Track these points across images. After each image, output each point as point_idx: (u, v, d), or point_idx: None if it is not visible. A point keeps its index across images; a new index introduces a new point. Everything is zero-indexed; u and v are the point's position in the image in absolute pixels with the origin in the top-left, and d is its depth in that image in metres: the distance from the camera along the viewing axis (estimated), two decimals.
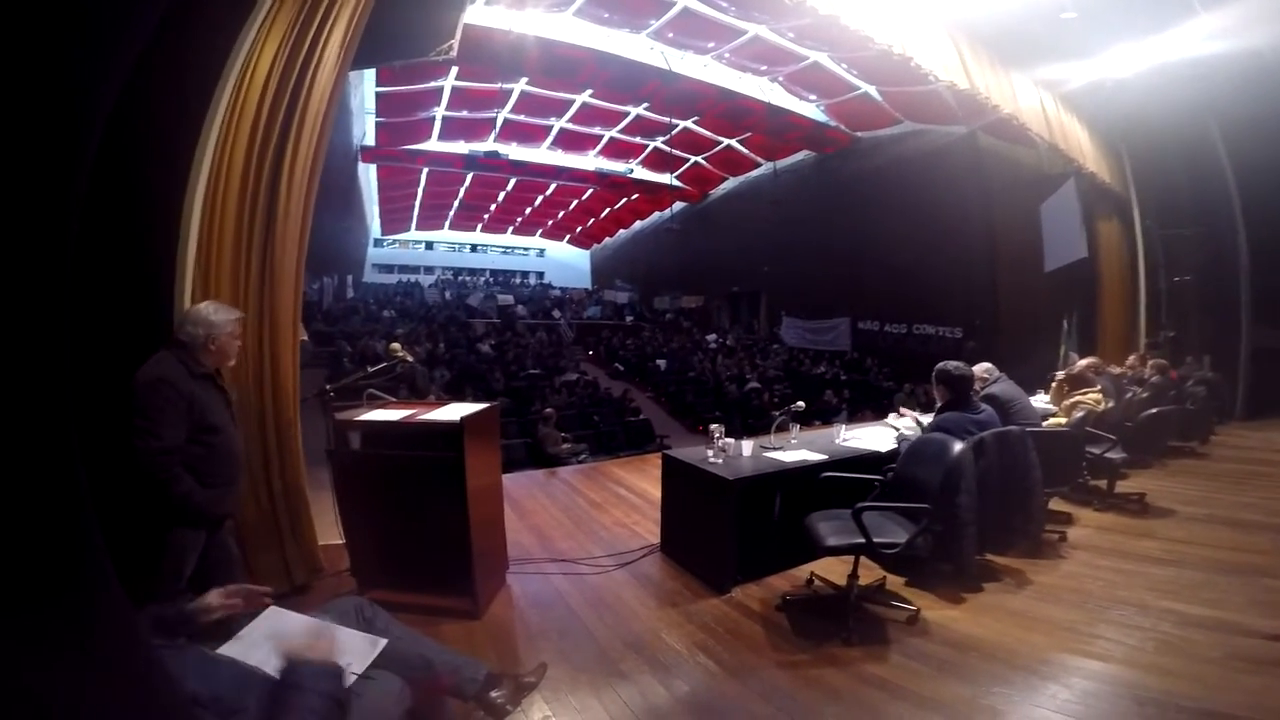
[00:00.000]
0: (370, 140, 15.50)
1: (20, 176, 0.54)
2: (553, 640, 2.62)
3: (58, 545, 0.59)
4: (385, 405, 3.17)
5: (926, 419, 3.74)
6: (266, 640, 1.46)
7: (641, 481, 5.07)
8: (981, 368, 4.23)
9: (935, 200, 12.75)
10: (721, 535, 3.13)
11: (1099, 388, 4.70)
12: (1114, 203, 8.74)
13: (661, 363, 15.41)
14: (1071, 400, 4.56)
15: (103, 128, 0.65)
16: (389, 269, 29.71)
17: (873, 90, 11.80)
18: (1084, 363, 5.39)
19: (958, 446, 2.74)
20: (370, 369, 3.73)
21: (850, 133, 14.56)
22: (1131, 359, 6.94)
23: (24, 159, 0.54)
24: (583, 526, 4.12)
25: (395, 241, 30.37)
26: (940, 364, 3.39)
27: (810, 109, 13.81)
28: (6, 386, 0.54)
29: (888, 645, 2.57)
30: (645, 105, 14.14)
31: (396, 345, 5.35)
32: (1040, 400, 5.20)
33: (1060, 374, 5.09)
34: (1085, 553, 3.55)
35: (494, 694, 1.98)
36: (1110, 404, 4.61)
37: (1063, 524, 3.94)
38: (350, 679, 1.41)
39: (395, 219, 26.26)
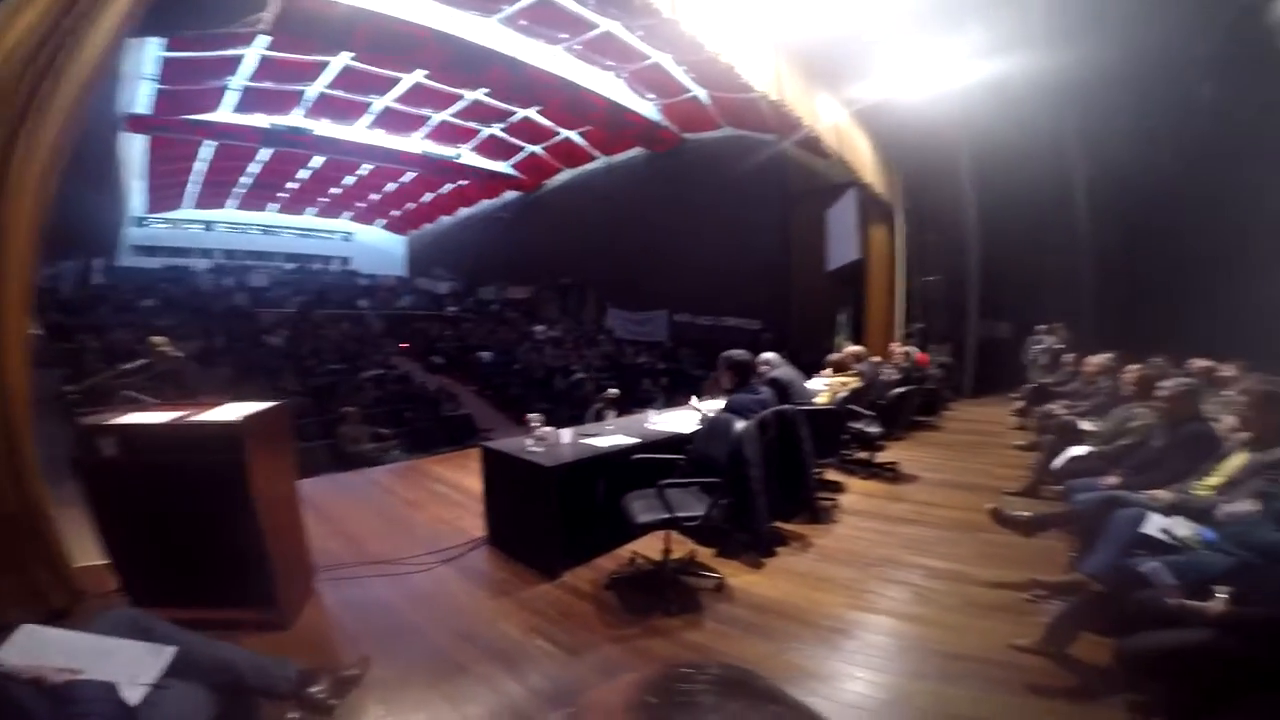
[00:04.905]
0: (143, 108, 12.82)
1: None
2: (377, 640, 2.51)
3: None
4: (146, 407, 2.74)
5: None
6: (22, 660, 1.30)
7: (464, 477, 4.84)
8: (766, 356, 4.76)
9: (744, 203, 14.07)
10: (546, 522, 3.19)
11: (854, 371, 5.65)
12: (883, 211, 10.15)
13: (486, 355, 14.97)
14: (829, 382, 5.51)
15: None
16: (152, 251, 25.14)
17: (703, 94, 12.42)
18: (847, 350, 6.40)
19: (739, 424, 3.09)
20: (123, 367, 3.16)
21: (680, 133, 15.13)
22: (893, 346, 8.16)
23: None
24: (399, 527, 3.93)
25: (164, 220, 25.76)
26: (724, 352, 3.76)
27: (648, 108, 14.14)
28: None
29: (701, 613, 2.81)
30: (485, 91, 13.50)
31: (158, 339, 4.58)
32: (818, 382, 6.01)
33: (832, 359, 6.13)
34: (854, 517, 4.13)
35: (313, 690, 1.87)
36: (860, 384, 5.53)
37: (837, 492, 4.53)
38: (141, 690, 1.31)
39: (166, 195, 22.22)
